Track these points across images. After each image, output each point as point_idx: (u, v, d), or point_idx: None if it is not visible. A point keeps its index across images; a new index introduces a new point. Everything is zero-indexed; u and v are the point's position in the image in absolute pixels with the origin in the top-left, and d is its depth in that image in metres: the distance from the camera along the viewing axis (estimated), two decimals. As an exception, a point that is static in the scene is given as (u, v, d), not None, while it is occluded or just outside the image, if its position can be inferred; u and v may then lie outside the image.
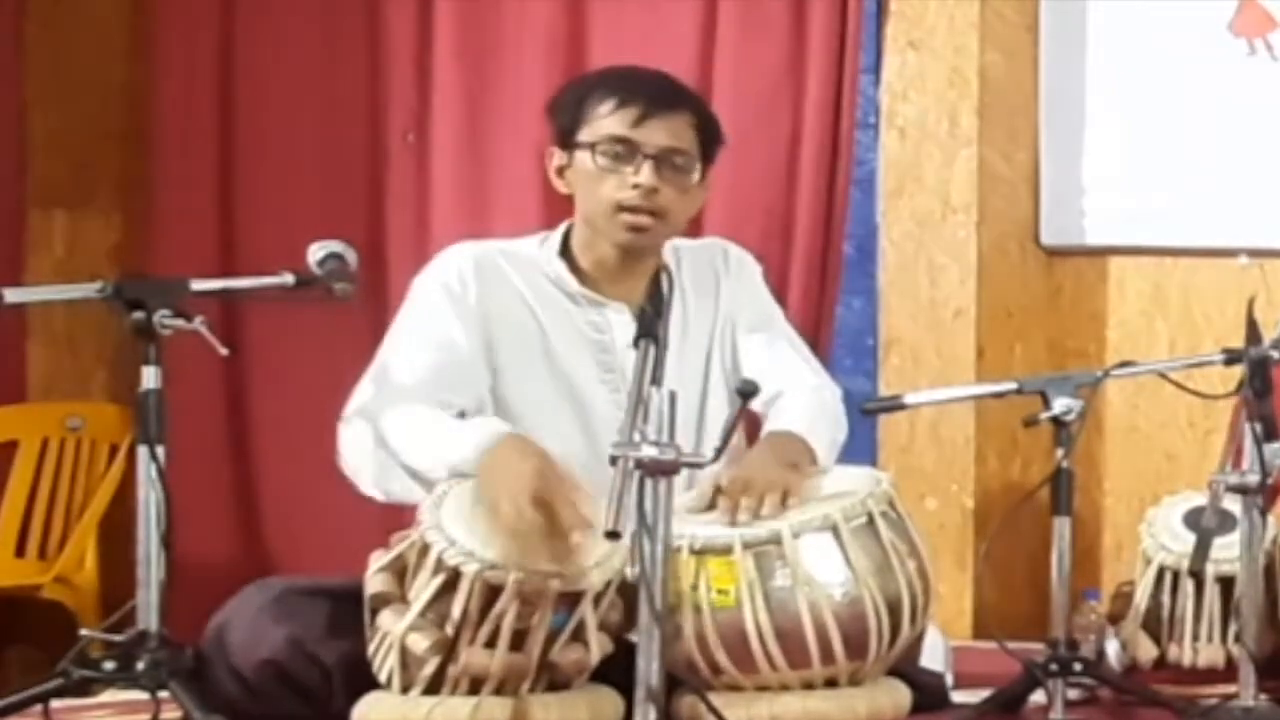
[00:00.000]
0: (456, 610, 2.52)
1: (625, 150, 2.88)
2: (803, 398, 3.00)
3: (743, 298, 3.10)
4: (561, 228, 3.04)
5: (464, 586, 2.52)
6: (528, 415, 2.85)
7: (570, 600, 2.57)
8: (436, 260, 3.01)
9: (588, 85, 2.99)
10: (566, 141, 2.95)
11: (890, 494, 2.77)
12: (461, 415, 2.86)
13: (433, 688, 2.57)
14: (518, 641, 2.55)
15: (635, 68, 3.09)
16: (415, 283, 2.99)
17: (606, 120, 2.89)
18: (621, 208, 2.89)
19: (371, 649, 2.63)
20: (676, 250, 3.08)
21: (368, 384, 2.88)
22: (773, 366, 3.03)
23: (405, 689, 2.58)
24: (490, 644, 2.54)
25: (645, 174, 2.87)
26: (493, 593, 2.53)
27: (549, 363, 2.95)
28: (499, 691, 2.57)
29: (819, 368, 3.16)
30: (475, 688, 2.56)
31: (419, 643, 2.53)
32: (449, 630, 2.54)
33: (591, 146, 2.90)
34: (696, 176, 2.95)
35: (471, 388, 2.89)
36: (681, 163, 2.91)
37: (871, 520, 2.71)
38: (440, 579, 2.54)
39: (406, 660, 2.56)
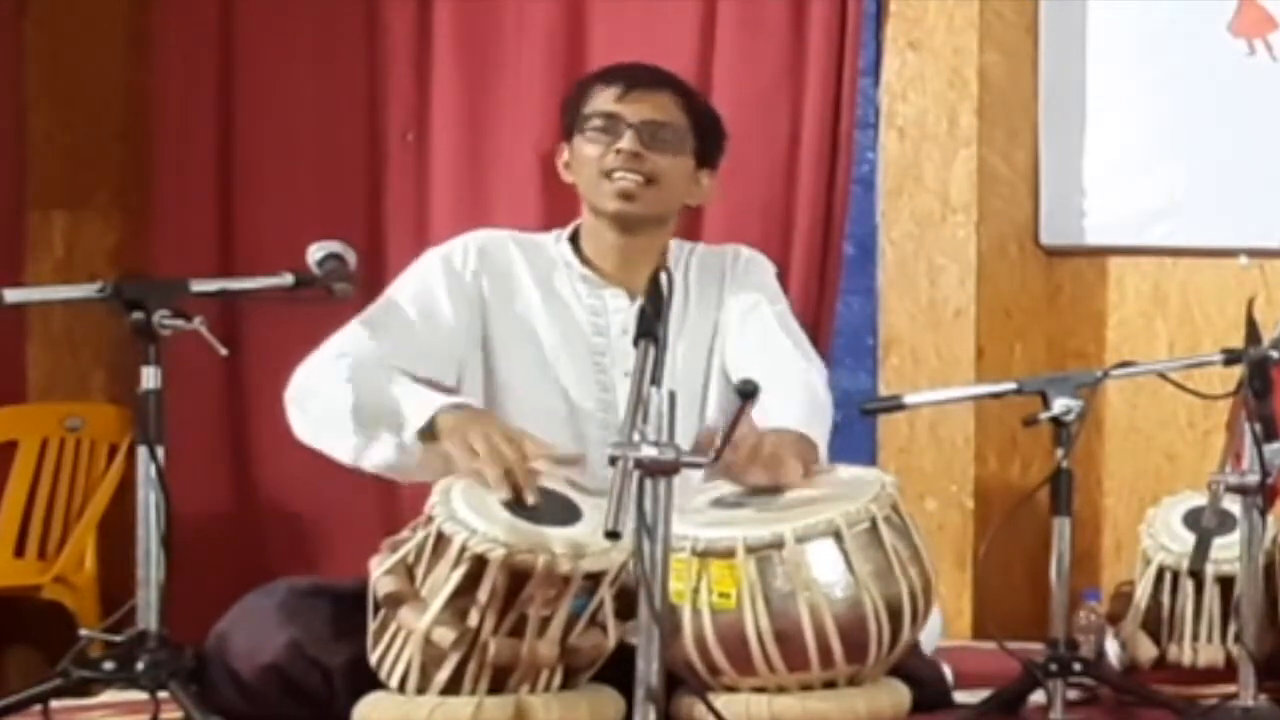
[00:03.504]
0: (483, 596, 2.52)
1: (610, 123, 2.99)
2: (794, 386, 2.99)
3: (746, 289, 3.12)
4: (577, 221, 3.11)
5: (490, 573, 2.52)
6: (514, 394, 2.93)
7: (590, 583, 2.57)
8: (451, 240, 3.09)
9: (586, 80, 3.11)
10: (568, 132, 3.05)
11: (894, 498, 2.76)
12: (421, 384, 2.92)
13: (451, 684, 2.56)
14: (541, 628, 2.55)
15: (635, 61, 3.18)
16: (423, 254, 3.07)
17: (595, 100, 3.01)
18: (608, 173, 2.98)
19: (379, 650, 2.62)
20: (691, 251, 3.15)
21: (344, 336, 2.92)
22: (757, 345, 3.05)
23: (421, 688, 2.57)
24: (515, 633, 2.54)
25: (627, 140, 2.97)
26: (518, 579, 2.53)
27: (539, 345, 3.01)
28: (523, 681, 2.57)
29: (807, 345, 3.16)
30: (498, 679, 2.56)
31: (445, 636, 2.53)
32: (472, 621, 2.53)
33: (582, 124, 3.00)
34: (686, 153, 3.03)
35: (443, 360, 2.96)
36: (667, 136, 3.00)
37: (875, 525, 2.70)
38: (463, 570, 2.53)
39: (427, 657, 2.56)
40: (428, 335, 2.95)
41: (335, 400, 2.83)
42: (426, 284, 2.99)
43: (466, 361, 2.99)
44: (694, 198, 3.13)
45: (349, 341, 2.91)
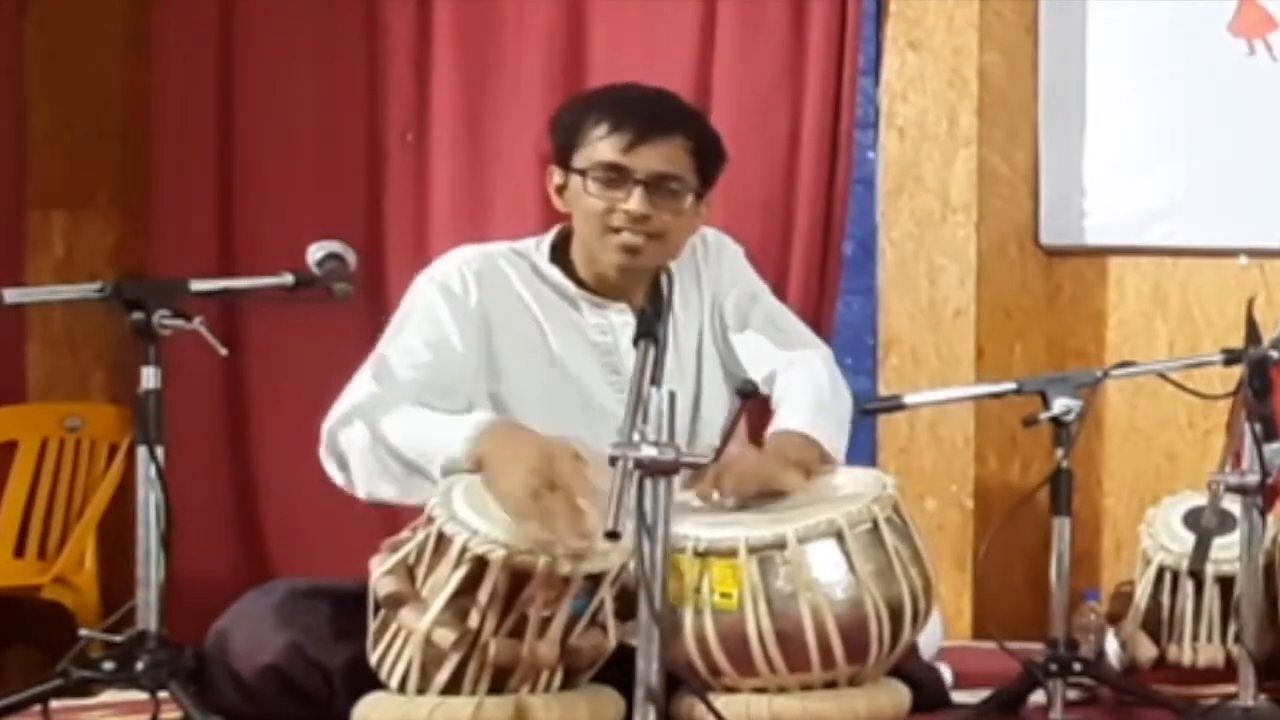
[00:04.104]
0: (484, 597, 2.51)
1: (617, 176, 2.87)
2: (799, 383, 2.98)
3: (724, 280, 3.09)
4: (553, 232, 3.03)
5: (491, 574, 2.51)
6: (532, 418, 2.82)
7: (590, 584, 2.57)
8: (440, 260, 2.99)
9: (585, 107, 2.96)
10: (564, 162, 2.94)
11: (895, 498, 2.76)
12: None
13: (452, 684, 2.56)
14: (542, 629, 2.55)
15: (634, 86, 3.04)
16: (417, 281, 2.97)
17: (599, 145, 2.88)
18: (613, 229, 2.88)
19: (379, 651, 2.62)
20: None
21: (362, 383, 2.84)
22: (764, 350, 3.03)
23: (422, 688, 2.57)
24: (515, 633, 2.54)
25: (635, 200, 2.86)
26: (519, 580, 2.53)
27: (554, 367, 2.94)
28: (524, 681, 2.57)
29: (804, 331, 3.13)
30: (498, 680, 2.56)
31: (446, 637, 2.52)
32: (472, 622, 2.53)
33: (584, 172, 2.88)
34: (690, 200, 2.92)
35: (463, 393, 2.87)
36: (675, 187, 2.89)
37: (876, 526, 2.70)
38: (463, 571, 2.53)
39: (427, 657, 2.56)
40: (444, 372, 2.85)
41: (370, 466, 2.76)
42: (433, 318, 2.88)
43: (475, 390, 2.90)
44: (694, 229, 3.03)
45: (376, 390, 2.81)
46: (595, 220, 2.88)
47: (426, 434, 2.72)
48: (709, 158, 2.95)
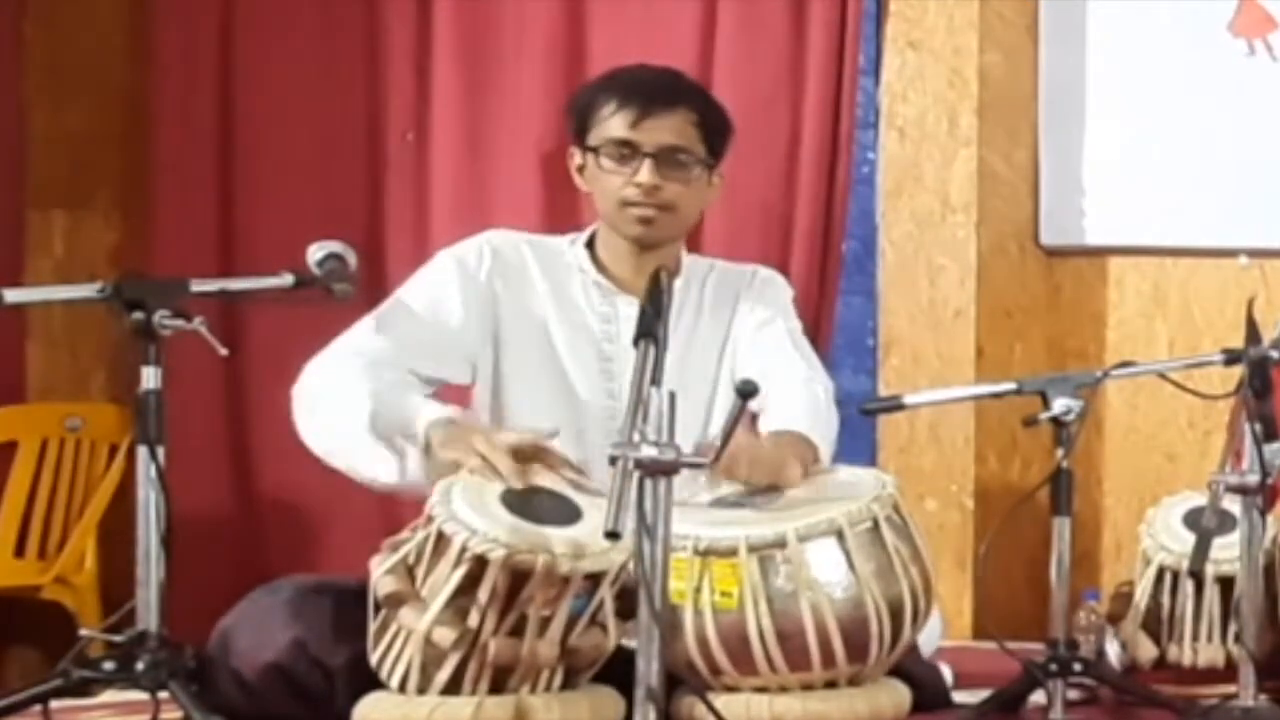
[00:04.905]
0: (483, 596, 2.52)
1: (627, 151, 2.99)
2: (797, 393, 3.02)
3: (758, 306, 3.16)
4: (593, 226, 3.13)
5: (490, 574, 2.52)
6: (520, 394, 2.96)
7: (590, 583, 2.58)
8: (464, 241, 3.11)
9: (594, 88, 3.09)
10: (580, 142, 3.06)
11: (895, 498, 2.77)
12: (432, 383, 2.97)
13: (452, 684, 2.56)
14: (541, 629, 2.55)
15: (642, 66, 3.17)
16: (437, 254, 3.10)
17: (609, 123, 3.00)
18: (628, 203, 3.00)
19: (380, 651, 2.62)
20: (712, 267, 3.20)
21: (360, 332, 2.94)
22: (766, 357, 3.08)
23: (422, 688, 2.57)
24: (515, 633, 2.54)
25: (645, 173, 2.98)
26: (518, 579, 2.53)
27: (548, 347, 3.04)
28: (524, 681, 2.57)
29: (815, 362, 3.18)
30: (498, 679, 2.56)
31: (446, 636, 2.53)
32: (472, 622, 2.53)
33: (596, 150, 3.01)
34: (700, 171, 3.04)
35: (454, 361, 2.99)
36: (683, 159, 3.01)
37: (876, 525, 2.71)
38: (463, 570, 2.53)
39: (427, 657, 2.56)
40: (438, 336, 2.98)
41: (349, 412, 2.83)
42: (439, 284, 3.02)
43: (479, 360, 3.02)
44: (707, 202, 3.17)
45: (359, 342, 2.92)
46: (612, 196, 3.01)
47: (406, 405, 2.81)
48: (715, 130, 3.07)
